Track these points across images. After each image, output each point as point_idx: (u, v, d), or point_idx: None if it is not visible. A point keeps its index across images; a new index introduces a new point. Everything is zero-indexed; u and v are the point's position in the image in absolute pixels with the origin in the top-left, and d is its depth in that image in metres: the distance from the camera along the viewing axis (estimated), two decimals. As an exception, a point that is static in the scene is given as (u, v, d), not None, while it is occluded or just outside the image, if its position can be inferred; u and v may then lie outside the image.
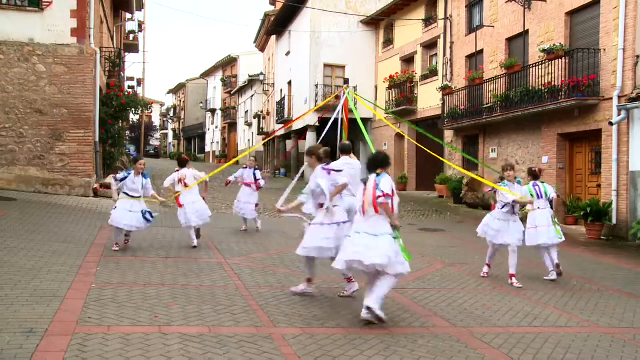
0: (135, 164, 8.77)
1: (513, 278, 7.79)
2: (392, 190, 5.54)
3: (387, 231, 5.51)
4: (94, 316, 5.14)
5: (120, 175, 8.64)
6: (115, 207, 8.47)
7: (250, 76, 42.38)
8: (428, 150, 9.66)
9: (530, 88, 15.24)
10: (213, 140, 57.71)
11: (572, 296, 7.32)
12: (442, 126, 20.59)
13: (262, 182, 11.68)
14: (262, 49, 41.71)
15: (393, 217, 5.58)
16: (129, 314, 5.27)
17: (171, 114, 73.75)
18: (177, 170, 9.43)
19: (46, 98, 14.20)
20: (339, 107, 9.72)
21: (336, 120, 9.54)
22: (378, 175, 5.62)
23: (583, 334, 5.71)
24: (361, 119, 10.25)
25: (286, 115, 30.27)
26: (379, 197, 5.42)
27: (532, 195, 8.36)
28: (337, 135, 9.50)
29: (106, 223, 10.89)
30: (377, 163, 5.70)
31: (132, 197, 8.56)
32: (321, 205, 6.36)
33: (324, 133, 9.59)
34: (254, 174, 11.62)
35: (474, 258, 9.78)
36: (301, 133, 26.82)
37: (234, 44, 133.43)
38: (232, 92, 49.60)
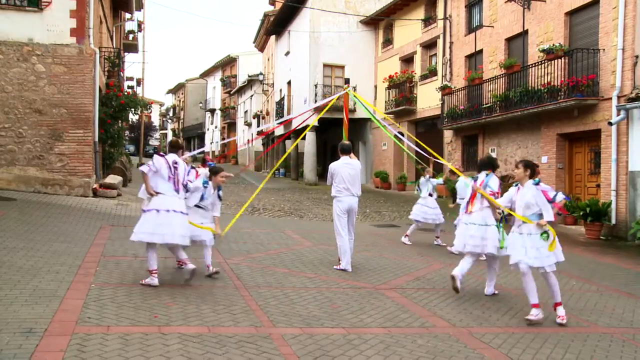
0: (215, 176, 7.03)
1: (558, 308, 5.99)
2: (499, 189, 6.80)
3: (494, 222, 6.70)
4: (94, 316, 5.14)
5: (194, 185, 6.88)
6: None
7: (249, 76, 42.42)
8: (428, 149, 9.66)
9: (530, 88, 15.25)
10: (212, 140, 57.72)
11: (571, 296, 7.33)
12: (441, 126, 20.61)
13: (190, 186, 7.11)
14: (261, 49, 41.73)
15: (496, 211, 6.66)
16: (128, 314, 5.27)
17: (170, 114, 73.78)
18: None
19: (45, 98, 14.19)
20: (333, 98, 9.77)
21: (335, 119, 9.59)
22: (487, 175, 6.94)
23: (582, 333, 5.72)
24: (361, 119, 10.27)
25: (285, 116, 30.28)
26: (491, 193, 6.75)
27: (466, 185, 9.48)
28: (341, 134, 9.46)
29: (105, 223, 10.91)
30: (488, 165, 7.13)
31: (202, 208, 7.06)
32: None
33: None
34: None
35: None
36: (300, 133, 26.85)
37: (233, 44, 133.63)
38: (231, 92, 49.64)
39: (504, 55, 17.36)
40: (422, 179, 11.36)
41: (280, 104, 32.21)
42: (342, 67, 26.62)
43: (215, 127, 56.40)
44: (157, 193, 6.45)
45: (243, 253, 8.97)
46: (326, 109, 10.77)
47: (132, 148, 50.62)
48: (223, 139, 54.22)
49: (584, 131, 14.32)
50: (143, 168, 6.49)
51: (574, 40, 14.72)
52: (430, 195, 11.09)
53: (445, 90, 19.94)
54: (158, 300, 5.83)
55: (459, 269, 6.70)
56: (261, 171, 37.22)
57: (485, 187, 6.78)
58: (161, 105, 77.76)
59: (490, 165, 7.15)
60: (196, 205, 6.99)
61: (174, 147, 6.90)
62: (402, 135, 23.36)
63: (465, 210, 7.02)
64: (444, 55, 21.02)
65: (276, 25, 31.12)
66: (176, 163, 6.62)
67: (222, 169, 7.21)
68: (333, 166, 8.17)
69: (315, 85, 25.92)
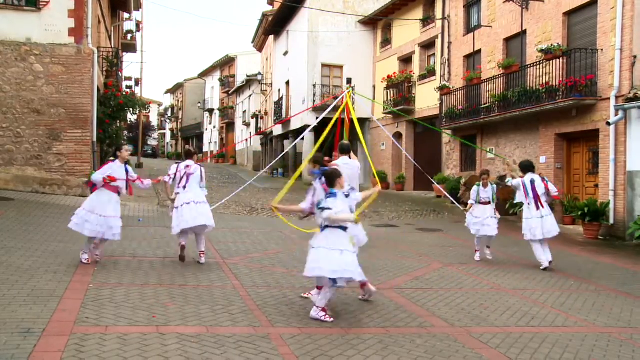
0: (339, 179, 5.73)
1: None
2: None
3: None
4: (92, 316, 5.13)
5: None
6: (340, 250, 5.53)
7: (248, 76, 42.36)
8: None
9: (528, 88, 15.26)
10: (211, 140, 57.69)
11: (569, 296, 7.33)
12: (440, 126, 20.61)
13: (140, 185, 7.85)
14: (260, 49, 41.70)
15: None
16: (126, 314, 5.27)
17: (169, 113, 73.69)
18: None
19: (43, 98, 14.17)
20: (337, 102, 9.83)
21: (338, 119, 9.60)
22: (543, 178, 8.97)
23: (580, 333, 5.72)
24: (360, 118, 10.26)
25: (284, 116, 30.24)
26: (556, 192, 8.98)
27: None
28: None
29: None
30: (533, 167, 9.15)
31: (341, 228, 5.62)
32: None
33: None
34: (126, 170, 7.70)
35: (472, 258, 9.80)
36: (299, 133, 26.85)
37: (232, 44, 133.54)
38: (230, 92, 49.58)
39: (502, 55, 17.37)
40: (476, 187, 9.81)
41: (278, 104, 32.20)
42: (341, 67, 26.60)
43: (214, 127, 56.33)
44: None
45: (241, 253, 8.97)
46: (339, 110, 10.62)
47: (130, 148, 50.51)
48: (222, 138, 54.15)
49: (582, 131, 14.33)
50: (165, 178, 7.96)
51: (572, 41, 14.73)
52: (483, 203, 9.48)
53: (444, 90, 19.94)
54: (156, 300, 5.83)
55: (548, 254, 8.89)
56: (259, 171, 37.15)
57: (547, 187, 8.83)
58: (159, 105, 77.69)
59: (533, 167, 9.18)
60: (337, 227, 5.57)
61: (188, 154, 8.23)
62: (401, 135, 23.41)
63: (536, 207, 8.81)
64: (442, 55, 21.02)
65: (275, 25, 31.09)
66: (188, 166, 7.93)
67: (339, 172, 5.83)
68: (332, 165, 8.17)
69: (314, 85, 25.90)
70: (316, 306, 5.53)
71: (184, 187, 7.77)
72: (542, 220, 8.79)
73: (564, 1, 14.85)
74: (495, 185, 9.85)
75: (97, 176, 7.41)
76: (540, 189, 8.81)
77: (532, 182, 8.86)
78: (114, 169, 7.51)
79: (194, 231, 7.84)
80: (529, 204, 8.92)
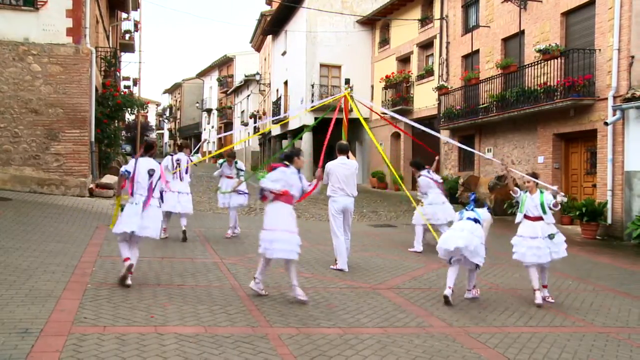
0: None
1: None
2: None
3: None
4: (90, 316, 5.12)
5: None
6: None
7: (246, 76, 42.35)
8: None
9: (526, 88, 15.27)
10: (209, 140, 57.68)
11: (567, 296, 7.34)
12: (438, 126, 20.61)
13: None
14: (258, 49, 41.69)
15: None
16: (124, 314, 5.26)
17: (167, 113, 73.66)
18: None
19: (41, 98, 14.15)
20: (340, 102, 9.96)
21: (337, 119, 9.64)
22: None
23: (578, 333, 5.73)
24: (358, 119, 10.26)
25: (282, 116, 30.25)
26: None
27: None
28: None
29: (102, 223, 10.87)
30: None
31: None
32: None
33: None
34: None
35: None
36: (297, 133, 26.83)
37: (230, 44, 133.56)
38: (228, 92, 49.58)
39: (500, 55, 17.39)
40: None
41: (277, 104, 32.19)
42: (339, 67, 26.61)
43: (212, 127, 56.34)
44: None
45: (240, 253, 8.96)
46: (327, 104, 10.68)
47: (128, 148, 50.48)
48: (220, 138, 54.12)
49: (580, 131, 14.35)
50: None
51: (570, 41, 14.75)
52: (532, 218, 7.03)
53: (442, 91, 19.96)
54: (154, 300, 5.82)
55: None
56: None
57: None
58: (158, 105, 77.61)
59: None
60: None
61: (179, 148, 10.05)
62: (399, 135, 23.42)
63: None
64: (440, 55, 21.03)
65: (273, 25, 31.09)
66: (179, 159, 9.73)
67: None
68: (329, 166, 8.19)
69: (312, 85, 25.90)
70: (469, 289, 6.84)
71: (176, 176, 9.71)
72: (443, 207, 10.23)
73: (562, 1, 14.87)
74: (545, 193, 6.94)
75: (269, 184, 6.24)
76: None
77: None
78: (288, 175, 6.35)
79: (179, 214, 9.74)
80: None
